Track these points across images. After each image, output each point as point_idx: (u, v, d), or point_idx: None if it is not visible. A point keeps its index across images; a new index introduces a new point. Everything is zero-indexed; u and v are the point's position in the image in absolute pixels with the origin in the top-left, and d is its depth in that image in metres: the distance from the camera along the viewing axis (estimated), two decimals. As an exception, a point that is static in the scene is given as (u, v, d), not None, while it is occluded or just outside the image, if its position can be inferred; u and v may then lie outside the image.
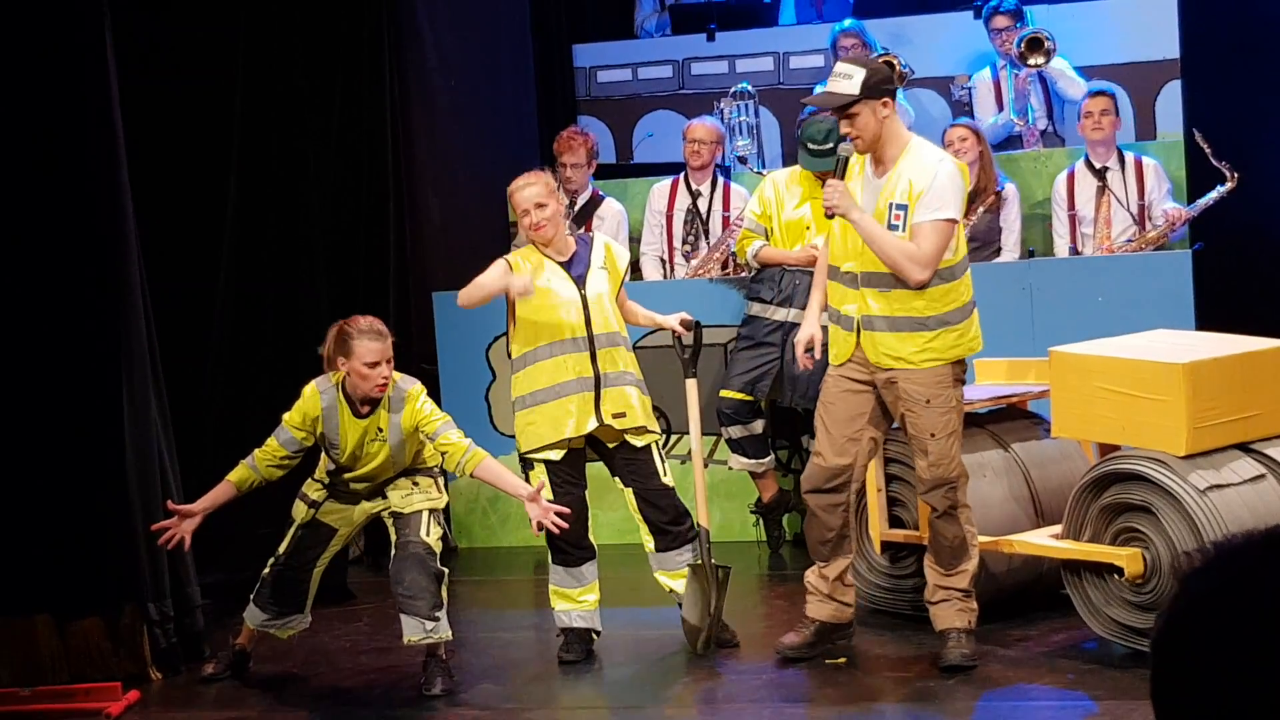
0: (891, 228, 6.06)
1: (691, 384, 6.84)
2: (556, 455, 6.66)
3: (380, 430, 6.54)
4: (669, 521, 6.74)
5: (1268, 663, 1.67)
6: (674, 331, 6.86)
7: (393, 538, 6.65)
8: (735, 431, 8.34)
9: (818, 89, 6.24)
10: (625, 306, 6.85)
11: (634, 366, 6.77)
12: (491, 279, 6.66)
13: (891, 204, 6.07)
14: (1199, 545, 5.72)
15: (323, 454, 6.64)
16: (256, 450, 6.54)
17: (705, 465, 7.55)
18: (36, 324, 6.78)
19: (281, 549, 6.70)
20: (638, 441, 6.72)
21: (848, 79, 6.05)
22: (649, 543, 6.79)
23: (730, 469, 8.64)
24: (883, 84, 6.08)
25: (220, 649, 6.90)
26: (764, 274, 8.28)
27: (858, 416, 6.29)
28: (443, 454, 6.55)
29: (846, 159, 6.15)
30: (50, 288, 6.79)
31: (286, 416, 6.55)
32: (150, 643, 6.86)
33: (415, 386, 6.55)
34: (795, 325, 8.03)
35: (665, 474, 6.76)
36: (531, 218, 6.65)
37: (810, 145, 8.02)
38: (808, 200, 8.10)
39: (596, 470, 6.90)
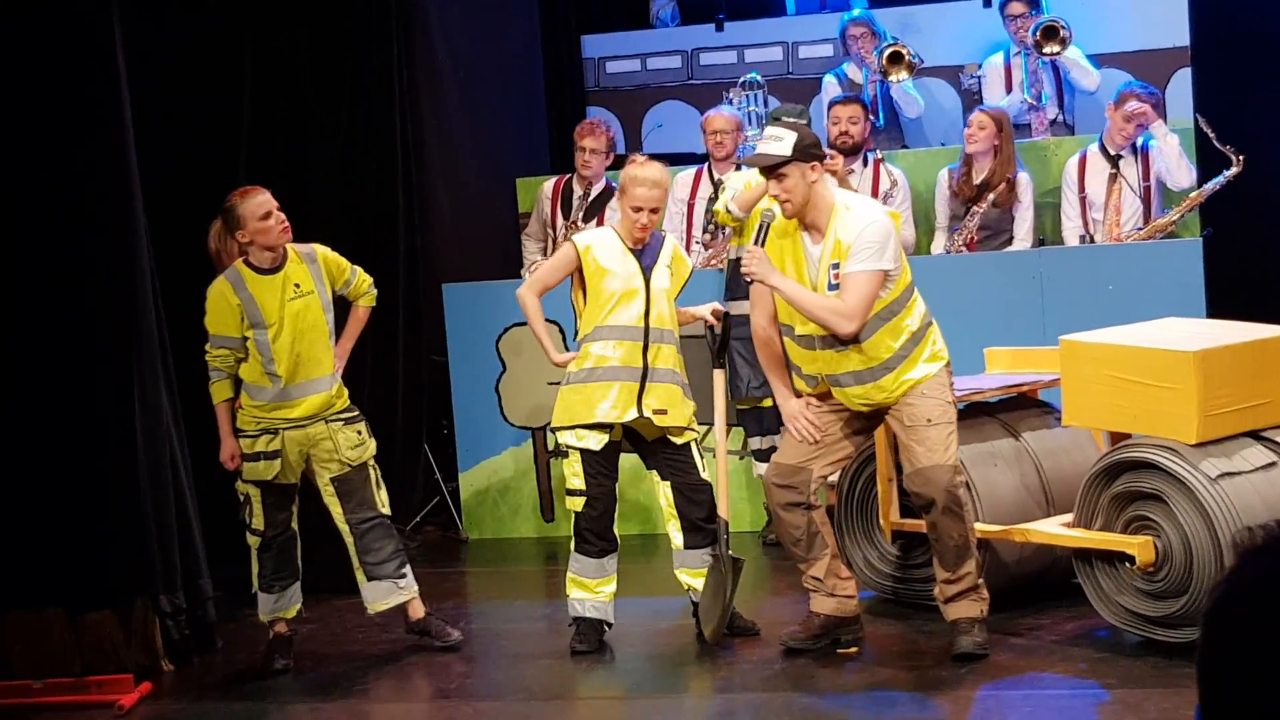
0: (832, 288, 6.08)
1: (719, 374, 6.85)
2: (597, 445, 6.66)
3: (298, 286, 6.66)
4: (703, 519, 6.73)
5: None
6: (706, 322, 6.87)
7: (337, 509, 6.80)
8: (758, 442, 8.36)
9: (748, 152, 6.25)
10: (678, 311, 6.88)
11: (681, 368, 6.78)
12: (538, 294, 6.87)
13: (830, 265, 6.10)
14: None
15: (248, 380, 6.67)
16: (211, 370, 6.66)
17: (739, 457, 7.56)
18: (48, 319, 6.79)
19: (259, 524, 6.73)
20: (678, 439, 6.73)
21: (778, 141, 6.07)
22: (676, 539, 6.77)
23: (740, 459, 8.65)
24: (811, 148, 6.10)
25: (274, 647, 6.85)
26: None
27: (833, 423, 6.37)
28: (351, 282, 6.88)
29: (769, 224, 6.14)
30: (61, 283, 6.81)
31: (208, 324, 6.64)
32: (162, 635, 6.87)
33: (319, 246, 6.83)
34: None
35: (704, 470, 6.77)
36: (644, 219, 6.68)
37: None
38: None
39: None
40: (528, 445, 9.26)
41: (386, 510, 6.89)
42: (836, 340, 6.13)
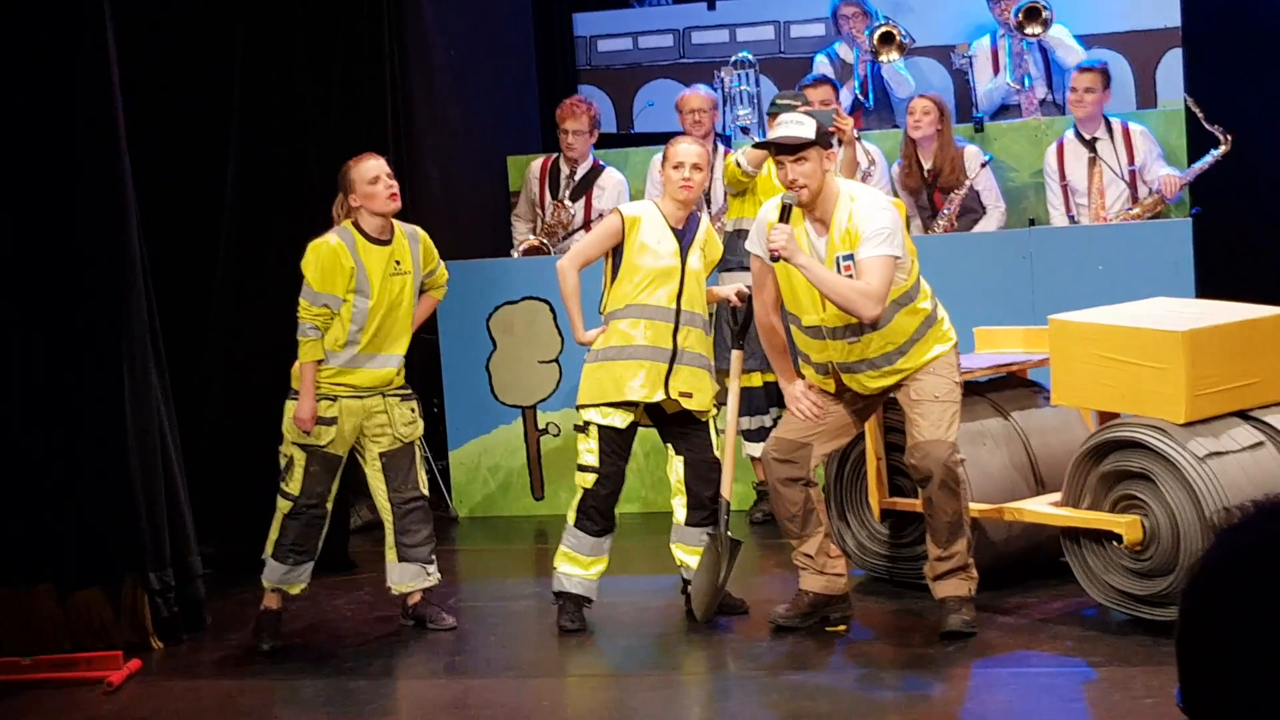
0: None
1: (737, 355, 6.86)
2: (622, 424, 6.66)
3: (399, 263, 6.74)
4: (710, 497, 6.74)
5: None
6: (729, 301, 6.87)
7: (382, 486, 6.81)
8: (747, 422, 8.34)
9: (777, 132, 6.24)
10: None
11: (709, 352, 6.79)
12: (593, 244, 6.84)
13: (839, 257, 6.11)
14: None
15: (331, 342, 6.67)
16: (308, 327, 6.61)
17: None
18: (39, 299, 6.79)
19: (295, 489, 6.70)
20: (699, 416, 6.75)
21: (801, 125, 6.11)
22: (680, 514, 6.78)
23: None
24: (829, 136, 6.20)
25: (262, 624, 6.83)
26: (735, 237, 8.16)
27: (836, 404, 6.40)
28: (435, 271, 7.01)
29: (790, 206, 6.15)
30: (51, 263, 6.80)
31: (313, 280, 6.61)
32: (151, 612, 6.87)
33: (420, 229, 6.95)
34: None
35: (718, 449, 6.78)
36: (685, 173, 6.68)
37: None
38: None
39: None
40: (518, 423, 9.27)
41: (427, 492, 6.97)
42: (848, 331, 6.15)
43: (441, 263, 7.05)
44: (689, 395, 6.67)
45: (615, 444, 6.68)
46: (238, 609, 7.22)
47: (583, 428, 6.73)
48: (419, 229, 6.95)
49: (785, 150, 6.12)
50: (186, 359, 7.79)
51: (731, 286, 6.93)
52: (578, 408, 6.78)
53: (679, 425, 6.76)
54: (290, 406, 6.69)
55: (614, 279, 6.73)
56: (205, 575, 7.28)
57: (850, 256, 6.08)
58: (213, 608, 7.29)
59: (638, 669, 6.39)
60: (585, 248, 6.86)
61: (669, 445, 6.82)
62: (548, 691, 6.24)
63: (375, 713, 6.09)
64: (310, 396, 6.61)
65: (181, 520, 7.10)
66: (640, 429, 6.83)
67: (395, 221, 6.81)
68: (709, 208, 9.08)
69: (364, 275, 6.65)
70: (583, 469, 6.71)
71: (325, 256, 6.62)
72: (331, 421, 6.68)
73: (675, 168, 6.70)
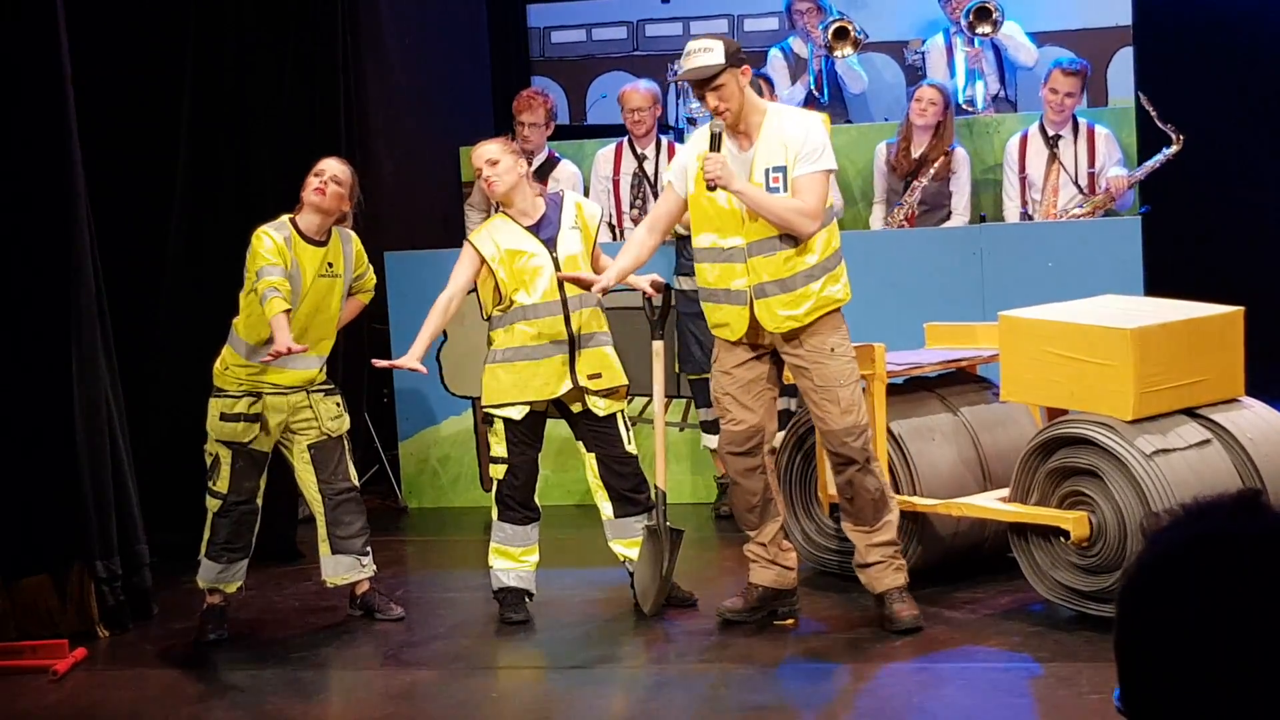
0: (771, 190, 6.12)
1: (659, 345, 6.85)
2: (518, 414, 6.68)
3: (331, 266, 6.75)
4: (630, 490, 6.76)
5: (1232, 618, 1.71)
6: (644, 293, 6.86)
7: (312, 478, 6.80)
8: (705, 413, 8.38)
9: (682, 66, 6.27)
10: (598, 264, 6.85)
11: (605, 325, 6.81)
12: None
13: (768, 169, 6.14)
14: (1167, 508, 5.78)
15: (248, 339, 6.67)
16: (268, 292, 6.53)
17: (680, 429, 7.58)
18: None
19: (223, 487, 6.71)
20: (602, 411, 6.73)
21: (709, 52, 6.14)
22: (606, 509, 6.80)
23: (680, 431, 8.66)
24: (739, 53, 6.21)
25: (207, 618, 6.81)
26: (691, 248, 8.27)
27: (758, 379, 6.38)
28: (363, 277, 7.03)
29: (720, 134, 6.16)
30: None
31: (256, 263, 6.60)
32: (98, 600, 6.84)
33: (354, 234, 6.95)
34: None
35: (629, 442, 6.78)
36: (483, 174, 6.72)
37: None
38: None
39: (550, 430, 6.93)
40: (468, 415, 9.25)
41: (358, 483, 6.97)
42: (766, 245, 6.15)
43: (370, 267, 7.08)
44: (597, 376, 6.69)
45: (520, 434, 6.70)
46: (185, 598, 7.19)
47: (489, 422, 6.80)
48: (353, 234, 6.94)
49: (701, 83, 6.15)
50: (136, 347, 7.75)
51: (646, 277, 6.91)
52: (483, 407, 6.82)
53: (586, 421, 6.78)
54: (214, 404, 6.72)
55: (490, 284, 6.73)
56: (152, 564, 7.24)
57: (781, 168, 6.13)
58: (160, 597, 7.26)
59: (585, 662, 6.38)
60: (455, 279, 6.76)
61: (580, 443, 6.86)
62: (494, 683, 6.25)
63: (322, 702, 6.08)
64: (285, 330, 6.45)
65: (129, 508, 7.07)
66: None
67: (336, 227, 6.83)
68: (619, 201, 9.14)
69: (297, 272, 6.66)
70: (494, 460, 6.78)
71: (265, 244, 6.63)
72: (255, 419, 6.69)
73: (477, 171, 6.77)
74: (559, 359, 6.65)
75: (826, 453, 6.38)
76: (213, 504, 6.73)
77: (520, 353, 6.65)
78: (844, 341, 6.28)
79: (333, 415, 6.86)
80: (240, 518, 6.73)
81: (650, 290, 6.83)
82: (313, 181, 6.75)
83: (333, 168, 6.82)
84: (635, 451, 6.81)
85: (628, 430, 6.80)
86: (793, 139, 6.13)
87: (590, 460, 6.80)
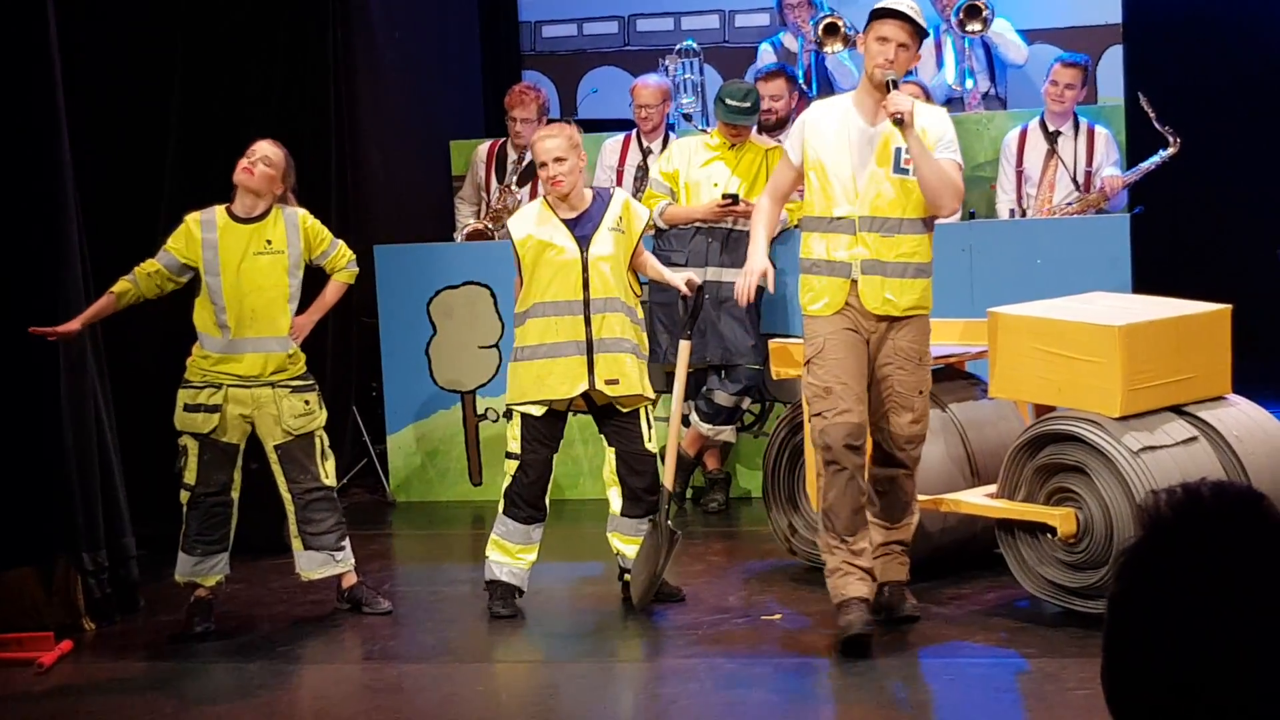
0: (901, 171, 6.07)
1: (684, 345, 6.83)
2: (537, 411, 6.64)
3: (269, 242, 6.71)
4: (644, 489, 6.72)
5: (1224, 612, 1.71)
6: (679, 291, 6.83)
7: (280, 477, 6.80)
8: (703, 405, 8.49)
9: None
10: (640, 259, 6.81)
11: (631, 334, 6.66)
12: None
13: (898, 149, 6.06)
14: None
15: (201, 329, 6.72)
16: (132, 273, 6.70)
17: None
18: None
19: (191, 478, 6.71)
20: (626, 407, 6.69)
21: (916, 13, 6.16)
22: (615, 504, 6.77)
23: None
24: (924, 32, 6.25)
25: (194, 611, 6.78)
26: (671, 235, 8.40)
27: (863, 370, 6.15)
28: (330, 254, 6.92)
29: (895, 81, 6.05)
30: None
31: (169, 240, 6.74)
32: (84, 593, 6.83)
33: (304, 211, 6.87)
34: (712, 283, 8.10)
35: (650, 440, 6.72)
36: (549, 171, 6.60)
37: (729, 102, 8.32)
38: (716, 161, 8.41)
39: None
40: (457, 409, 9.25)
41: (330, 481, 6.87)
42: (881, 225, 6.05)
43: (338, 243, 6.95)
44: (614, 382, 6.62)
45: (537, 431, 6.66)
46: (171, 591, 7.16)
47: (509, 414, 6.79)
48: (302, 211, 6.85)
49: (896, 17, 6.10)
50: (123, 340, 7.73)
51: (681, 275, 6.89)
52: (507, 405, 6.81)
53: (610, 417, 6.74)
54: (180, 395, 6.73)
55: (522, 281, 6.71)
56: (139, 556, 7.23)
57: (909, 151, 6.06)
58: (146, 589, 7.25)
59: (572, 655, 6.39)
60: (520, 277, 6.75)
61: (602, 437, 6.82)
62: (482, 676, 6.24)
63: (309, 695, 6.08)
64: (90, 311, 6.65)
65: (116, 501, 7.06)
66: (583, 416, 6.82)
67: (279, 205, 6.79)
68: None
69: (214, 254, 6.66)
70: (508, 456, 6.73)
71: (184, 223, 6.72)
72: (214, 409, 6.67)
73: (541, 165, 6.68)
74: (577, 359, 6.60)
75: (873, 445, 6.27)
76: (183, 495, 6.74)
77: (539, 350, 6.62)
78: (929, 350, 6.27)
79: (298, 413, 6.77)
80: (209, 510, 6.72)
81: (685, 289, 6.79)
82: (242, 162, 6.74)
83: (263, 149, 6.79)
84: (655, 450, 6.76)
85: (650, 428, 6.75)
86: (931, 126, 6.09)
87: (610, 455, 6.76)
